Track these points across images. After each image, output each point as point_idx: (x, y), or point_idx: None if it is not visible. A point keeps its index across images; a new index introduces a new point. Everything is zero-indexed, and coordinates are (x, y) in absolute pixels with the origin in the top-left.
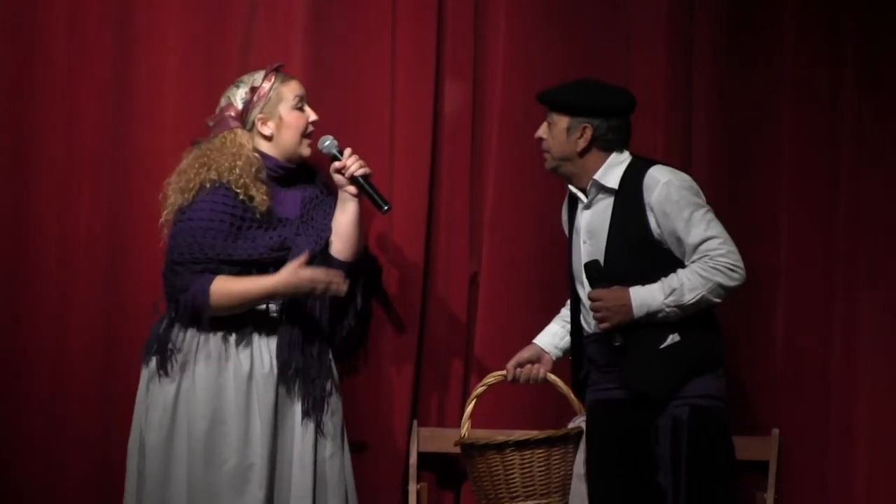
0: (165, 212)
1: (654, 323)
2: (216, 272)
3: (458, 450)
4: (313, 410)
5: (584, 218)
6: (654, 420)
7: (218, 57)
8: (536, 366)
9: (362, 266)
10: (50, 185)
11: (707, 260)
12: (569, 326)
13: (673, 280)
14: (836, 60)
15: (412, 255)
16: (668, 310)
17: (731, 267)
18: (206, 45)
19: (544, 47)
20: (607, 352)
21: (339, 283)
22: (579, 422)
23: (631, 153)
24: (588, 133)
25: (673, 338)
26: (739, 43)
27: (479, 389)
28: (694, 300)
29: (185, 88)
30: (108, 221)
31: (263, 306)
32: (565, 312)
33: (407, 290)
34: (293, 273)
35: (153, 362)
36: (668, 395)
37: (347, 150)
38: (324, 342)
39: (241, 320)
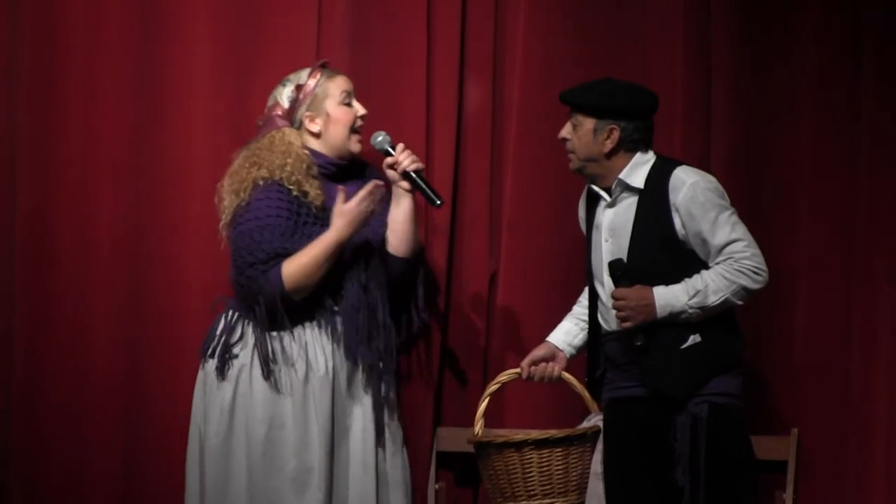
0: (223, 215)
1: (676, 323)
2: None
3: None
4: (377, 408)
5: (606, 216)
6: (672, 417)
7: (244, 56)
8: (551, 364)
9: (421, 261)
10: (71, 187)
11: (732, 262)
12: (582, 324)
13: (697, 281)
14: (856, 59)
15: (437, 255)
16: (690, 311)
17: (756, 270)
18: (232, 45)
19: (563, 46)
20: (626, 350)
21: (376, 188)
22: (595, 420)
23: (655, 153)
24: (615, 135)
25: (694, 338)
26: (758, 41)
27: (493, 387)
28: (718, 302)
29: (211, 90)
30: (130, 224)
31: (322, 304)
32: (578, 310)
33: (430, 290)
34: (341, 212)
35: (210, 364)
36: (689, 395)
37: (400, 146)
38: (389, 338)
39: (298, 322)
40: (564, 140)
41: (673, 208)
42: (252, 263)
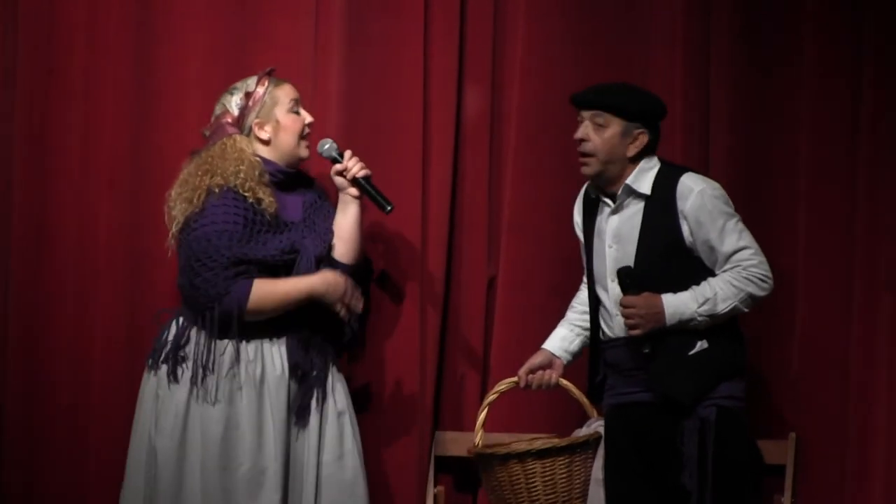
0: (173, 224)
1: (683, 330)
2: (246, 273)
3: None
4: (318, 413)
5: (610, 222)
6: (679, 422)
7: (242, 59)
8: (548, 371)
9: (364, 268)
10: (70, 189)
11: (740, 270)
12: (578, 329)
13: (706, 289)
14: (856, 62)
15: (435, 259)
16: (699, 318)
17: (763, 277)
18: (228, 48)
19: (562, 51)
20: (632, 357)
21: (357, 302)
22: (595, 426)
23: (659, 158)
24: (643, 139)
25: (701, 345)
26: (758, 44)
27: (491, 397)
28: (727, 310)
29: (208, 92)
30: (128, 226)
31: None
32: (573, 316)
33: (429, 294)
34: (335, 279)
35: (162, 370)
36: (697, 400)
37: (348, 153)
38: (329, 344)
39: (252, 325)
40: (582, 141)
41: (681, 215)
42: (211, 268)
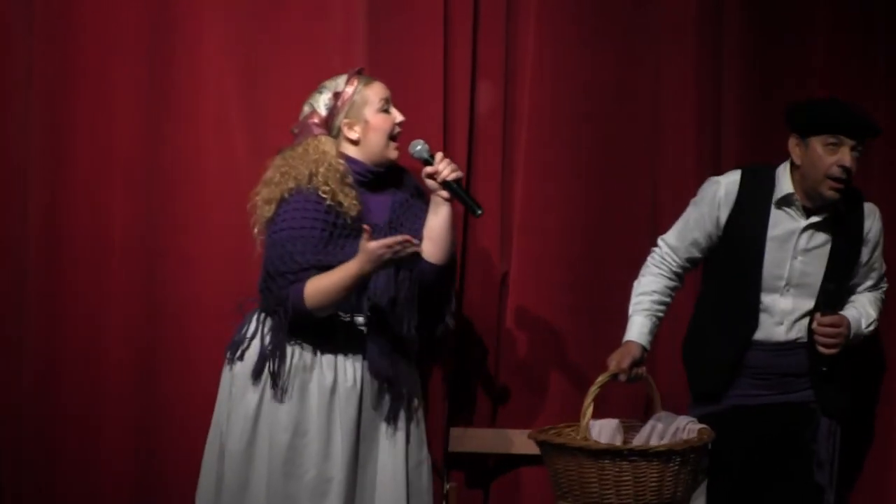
0: (257, 223)
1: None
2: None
3: (488, 449)
4: (402, 421)
5: (803, 235)
6: (810, 424)
7: (259, 58)
8: (643, 366)
9: (454, 269)
10: (84, 188)
11: (880, 293)
12: (655, 320)
13: (869, 311)
14: (868, 59)
15: None
16: (861, 338)
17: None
18: (247, 47)
19: (574, 49)
20: (778, 363)
21: (407, 243)
22: (686, 423)
23: None
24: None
25: (846, 360)
26: (769, 42)
27: (595, 390)
28: (874, 329)
29: (225, 90)
30: (143, 225)
31: (349, 318)
32: (653, 306)
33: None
34: (364, 251)
35: (238, 367)
36: (845, 411)
37: (439, 155)
38: (411, 352)
39: (327, 333)
40: (849, 171)
41: (864, 238)
42: (283, 273)
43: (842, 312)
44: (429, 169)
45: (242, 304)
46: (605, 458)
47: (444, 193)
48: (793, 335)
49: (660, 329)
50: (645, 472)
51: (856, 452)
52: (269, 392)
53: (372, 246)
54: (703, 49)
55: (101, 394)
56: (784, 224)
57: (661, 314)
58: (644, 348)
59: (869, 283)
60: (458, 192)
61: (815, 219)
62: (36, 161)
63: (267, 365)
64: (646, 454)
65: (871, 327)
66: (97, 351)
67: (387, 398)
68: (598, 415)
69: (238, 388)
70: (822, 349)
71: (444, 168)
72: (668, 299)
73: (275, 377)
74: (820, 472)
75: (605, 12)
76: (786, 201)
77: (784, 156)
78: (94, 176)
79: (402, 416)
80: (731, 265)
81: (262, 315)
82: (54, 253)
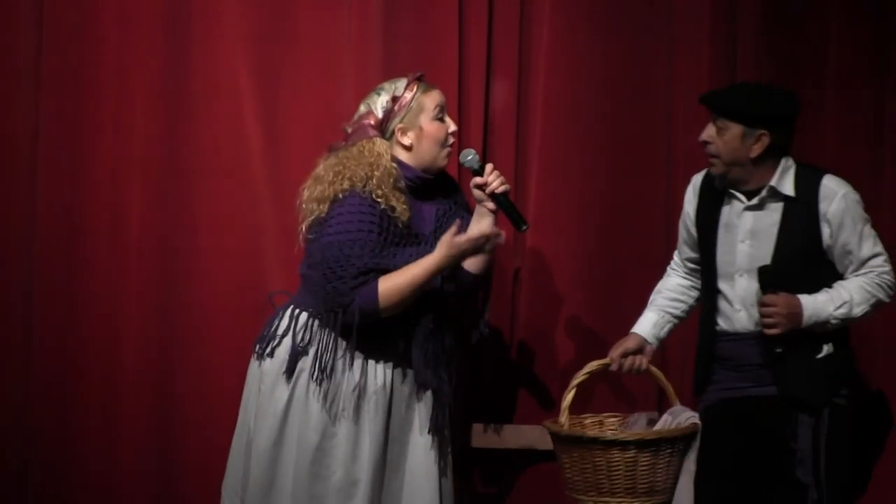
0: (304, 217)
1: (812, 332)
2: (370, 281)
3: (503, 445)
4: (439, 429)
5: (745, 218)
6: (792, 418)
7: (275, 55)
8: (640, 356)
9: (490, 278)
10: (102, 184)
11: (873, 276)
12: (668, 316)
13: (843, 293)
14: (882, 57)
15: None
16: (834, 322)
17: (892, 284)
18: (263, 43)
19: (587, 45)
20: (750, 352)
21: (496, 235)
22: (686, 416)
23: (794, 158)
24: (765, 141)
25: (827, 349)
26: (783, 42)
27: (581, 378)
28: (860, 314)
29: (241, 87)
30: (160, 221)
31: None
32: (664, 302)
33: None
34: (451, 245)
35: (268, 363)
36: (824, 402)
37: (489, 166)
38: (454, 362)
39: (346, 339)
40: (706, 143)
41: (822, 218)
42: (341, 277)
43: (813, 295)
44: (478, 180)
45: (272, 296)
46: (584, 445)
47: (491, 205)
48: (756, 323)
49: (678, 325)
50: (617, 459)
51: (870, 446)
52: (299, 391)
53: (459, 240)
54: (717, 47)
55: (118, 392)
56: (731, 209)
57: (672, 310)
58: (645, 340)
59: (852, 266)
60: (505, 205)
61: (755, 201)
62: (50, 159)
63: (315, 362)
64: (616, 442)
65: (845, 311)
66: (113, 349)
67: (427, 407)
68: (609, 407)
69: (267, 385)
70: (764, 330)
71: (494, 180)
72: (682, 297)
73: (322, 379)
74: (801, 468)
75: (618, 10)
76: (720, 184)
77: (797, 152)
78: (111, 174)
79: (440, 425)
80: (701, 257)
81: (297, 311)
82: (71, 251)
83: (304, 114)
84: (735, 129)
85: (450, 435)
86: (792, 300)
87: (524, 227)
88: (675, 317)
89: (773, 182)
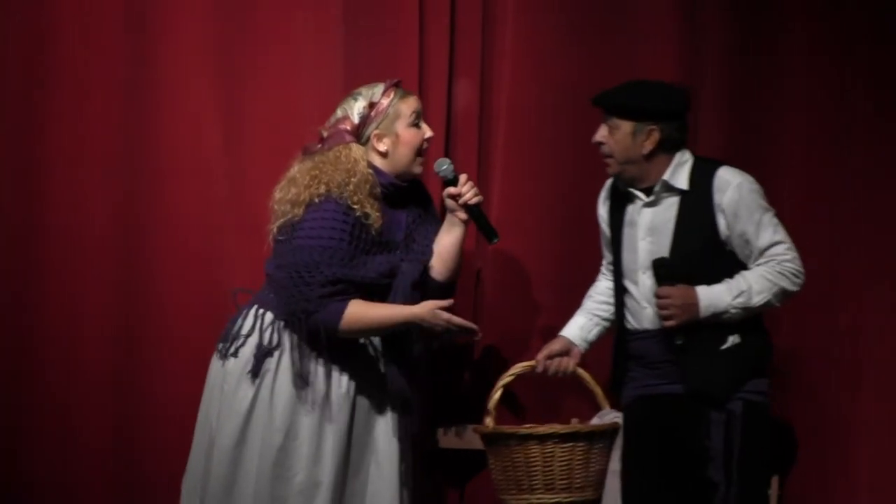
0: (276, 219)
1: (716, 323)
2: (344, 293)
3: (464, 445)
4: (408, 436)
5: (644, 215)
6: (705, 415)
7: (236, 55)
8: (566, 359)
9: (455, 286)
10: (61, 183)
11: (774, 264)
12: (597, 319)
13: (740, 282)
14: (847, 57)
15: None
16: (733, 311)
17: (796, 273)
18: (224, 44)
19: (551, 46)
20: (662, 349)
21: (474, 333)
22: (610, 417)
23: (691, 152)
24: (655, 136)
25: (733, 339)
26: (748, 41)
27: (507, 379)
28: (760, 303)
29: (202, 88)
30: (121, 221)
31: None
32: (592, 305)
33: None
34: (433, 314)
35: (232, 363)
36: (729, 394)
37: (463, 177)
38: (423, 369)
39: (309, 344)
40: (600, 144)
41: (717, 209)
42: (308, 283)
43: (711, 285)
44: (452, 190)
45: (236, 294)
46: (503, 442)
47: (463, 215)
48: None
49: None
50: (535, 454)
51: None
52: (264, 391)
53: (441, 314)
54: (682, 49)
55: (77, 392)
56: (633, 208)
57: (601, 313)
58: (571, 342)
59: (753, 256)
60: (477, 216)
61: (651, 198)
62: (8, 158)
63: (279, 363)
64: (532, 436)
65: (743, 300)
66: (73, 350)
67: (390, 409)
68: (554, 410)
69: (231, 384)
70: (662, 323)
71: (468, 191)
72: (610, 300)
73: (302, 381)
74: (712, 466)
75: (582, 10)
76: (623, 185)
77: (760, 155)
78: (71, 174)
79: (408, 429)
80: (613, 257)
81: (261, 311)
82: (30, 251)
83: (264, 114)
84: (626, 127)
85: (412, 439)
86: (687, 291)
87: (495, 240)
88: (605, 319)
89: (665, 177)
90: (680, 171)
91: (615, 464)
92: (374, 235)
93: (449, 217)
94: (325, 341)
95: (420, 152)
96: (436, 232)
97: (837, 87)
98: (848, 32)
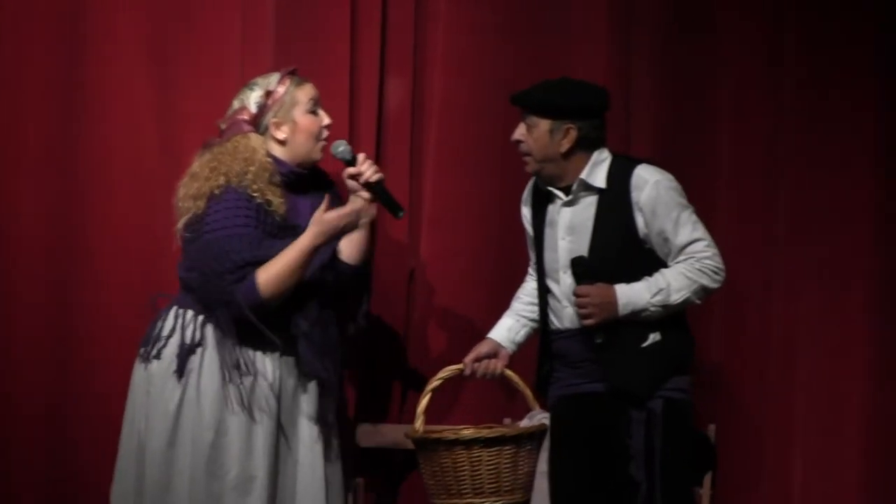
0: (181, 216)
1: (636, 321)
2: (252, 272)
3: (396, 445)
4: (324, 419)
5: (563, 214)
6: (627, 414)
7: (168, 54)
8: (494, 361)
9: (370, 270)
10: None
11: (693, 262)
12: (524, 320)
13: (659, 280)
14: (778, 57)
15: None
16: (652, 309)
17: (716, 269)
18: (156, 43)
19: (484, 43)
20: (583, 348)
21: (367, 209)
22: (539, 418)
23: (610, 150)
24: (573, 134)
25: (654, 337)
26: (680, 40)
27: (435, 383)
28: (679, 301)
29: (135, 86)
30: (53, 220)
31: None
32: (519, 306)
33: None
34: (322, 222)
35: (155, 365)
36: (650, 393)
37: (361, 156)
38: (338, 353)
39: (248, 334)
40: (518, 142)
41: (635, 207)
42: (221, 273)
43: (630, 283)
44: (351, 170)
45: (155, 300)
46: (431, 447)
47: (366, 195)
48: None
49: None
50: (462, 458)
51: (730, 455)
52: (190, 390)
53: (329, 216)
54: (614, 46)
55: (11, 388)
56: (553, 207)
57: (529, 314)
58: (499, 344)
59: (672, 254)
60: (380, 192)
61: (570, 197)
62: None
63: (203, 360)
64: (458, 441)
65: (662, 298)
66: (5, 350)
67: (313, 397)
68: (489, 410)
69: (156, 386)
70: (581, 321)
71: (367, 169)
72: (537, 301)
73: (232, 374)
74: (634, 465)
75: (515, 7)
76: (543, 184)
77: (693, 152)
78: (2, 173)
79: (326, 414)
80: (536, 257)
81: (181, 311)
82: None
83: (198, 113)
84: (543, 125)
85: (338, 427)
86: (605, 290)
87: (401, 214)
88: (532, 320)
89: (583, 175)
90: (597, 170)
91: (544, 465)
92: (279, 221)
93: (352, 198)
94: (257, 322)
95: (319, 139)
96: None
97: (770, 89)
98: (782, 34)
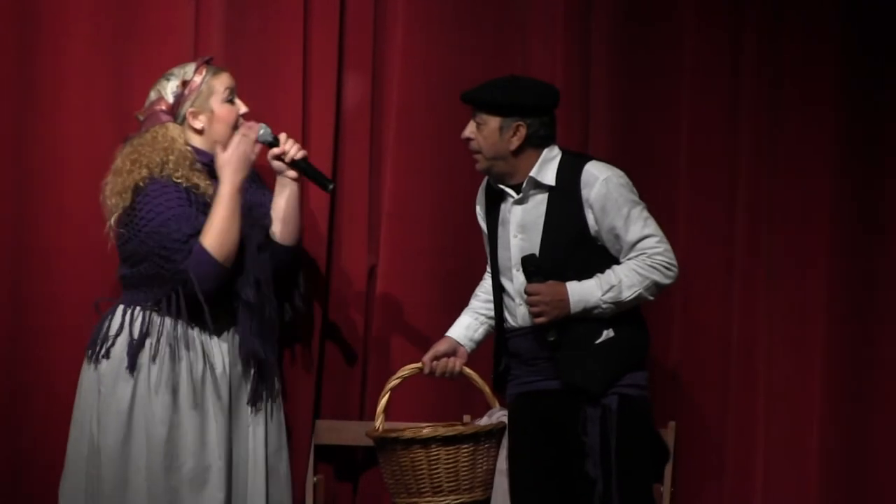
0: (110, 214)
1: (589, 318)
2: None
3: (355, 442)
4: (263, 403)
5: (514, 213)
6: (582, 410)
7: (121, 49)
8: (452, 359)
9: (300, 250)
10: None
11: (644, 258)
12: (482, 318)
13: (611, 277)
14: (737, 49)
15: (316, 248)
16: (604, 306)
17: (668, 265)
18: (110, 37)
19: (443, 41)
20: (537, 346)
21: (249, 129)
22: (498, 416)
23: (560, 148)
24: (522, 132)
25: (608, 333)
26: (638, 37)
27: (394, 382)
28: (631, 297)
29: (88, 82)
30: (4, 216)
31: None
32: (477, 304)
33: (308, 282)
34: (223, 163)
35: (105, 365)
36: (604, 389)
37: (283, 135)
38: (274, 334)
39: (192, 319)
40: (468, 140)
41: (585, 204)
42: (168, 257)
43: (582, 281)
44: (275, 150)
45: (99, 304)
46: (390, 446)
47: (292, 173)
48: None
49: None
50: (420, 457)
51: (691, 452)
52: (141, 387)
53: (227, 153)
54: (571, 44)
55: None
56: (505, 205)
57: (486, 312)
58: (457, 343)
59: (624, 250)
60: (307, 169)
61: (520, 195)
62: None
63: (139, 357)
64: (415, 440)
65: (614, 294)
66: None
67: (251, 380)
68: (451, 407)
69: (107, 385)
70: (533, 319)
71: (291, 147)
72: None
73: (132, 363)
74: (590, 461)
75: (473, 4)
76: (495, 183)
77: (651, 145)
78: None
79: (264, 398)
80: (489, 255)
81: (128, 309)
82: None
83: None
84: (493, 123)
85: (281, 414)
86: (556, 287)
87: (331, 187)
88: (491, 318)
89: (532, 173)
90: (547, 167)
91: (503, 463)
92: (209, 200)
93: (279, 179)
94: (219, 286)
95: (236, 128)
96: (269, 198)
97: (728, 82)
98: (739, 30)
